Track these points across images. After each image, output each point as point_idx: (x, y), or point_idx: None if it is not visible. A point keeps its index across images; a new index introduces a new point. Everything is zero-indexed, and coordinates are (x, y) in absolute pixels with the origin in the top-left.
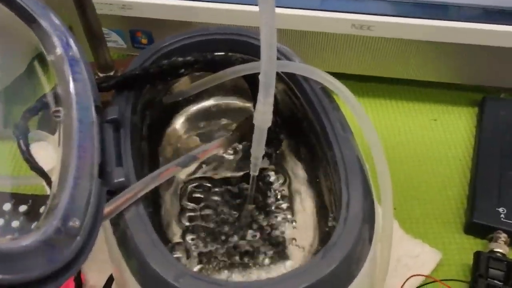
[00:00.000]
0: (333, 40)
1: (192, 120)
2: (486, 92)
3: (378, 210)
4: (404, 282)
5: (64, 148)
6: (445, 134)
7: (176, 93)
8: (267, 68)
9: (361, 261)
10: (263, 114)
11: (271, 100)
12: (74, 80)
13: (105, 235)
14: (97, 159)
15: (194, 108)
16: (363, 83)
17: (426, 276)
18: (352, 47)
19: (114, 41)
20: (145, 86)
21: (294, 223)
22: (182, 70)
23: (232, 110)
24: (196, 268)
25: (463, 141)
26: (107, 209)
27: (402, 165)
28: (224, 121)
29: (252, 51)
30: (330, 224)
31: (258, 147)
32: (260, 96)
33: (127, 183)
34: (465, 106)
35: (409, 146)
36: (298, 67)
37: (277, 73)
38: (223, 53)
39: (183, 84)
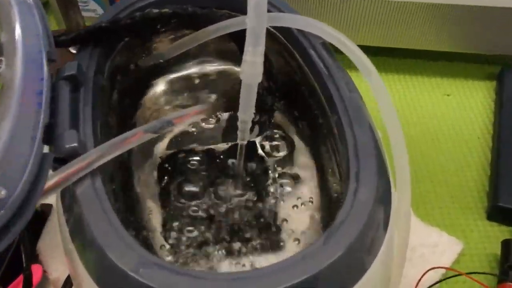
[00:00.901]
0: (339, 5)
1: (174, 89)
2: (505, 63)
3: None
4: (422, 276)
5: (2, 104)
6: (460, 110)
7: (154, 55)
8: (256, 11)
9: (373, 250)
10: (252, 66)
11: (261, 49)
12: (22, 27)
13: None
14: (44, 120)
15: (175, 75)
16: (371, 57)
17: (447, 268)
18: (359, 12)
19: (93, 10)
20: (115, 43)
21: (290, 202)
22: (159, 26)
23: (219, 77)
24: (176, 257)
25: (480, 117)
26: (51, 180)
27: (412, 143)
28: (210, 90)
29: (241, 7)
30: (334, 202)
31: (246, 109)
32: (248, 45)
33: (82, 150)
34: (481, 79)
35: (421, 124)
36: (292, 20)
37: (270, 32)
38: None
39: (162, 47)
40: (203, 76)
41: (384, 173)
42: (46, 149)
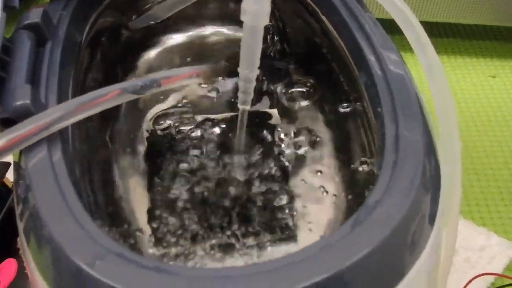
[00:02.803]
0: None
1: (171, 54)
2: None
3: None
4: (468, 283)
5: None
6: (508, 93)
7: (146, 17)
8: None
9: (416, 249)
10: (257, 3)
11: None
12: None
13: None
14: None
15: (172, 37)
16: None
17: (498, 275)
18: None
19: None
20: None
21: (302, 184)
22: None
23: (222, 42)
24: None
25: None
26: None
27: None
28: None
29: None
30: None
31: (249, 62)
32: None
33: (36, 110)
34: None
35: (462, 108)
36: None
37: None
38: None
39: (156, 6)
40: (205, 40)
41: (431, 147)
42: None
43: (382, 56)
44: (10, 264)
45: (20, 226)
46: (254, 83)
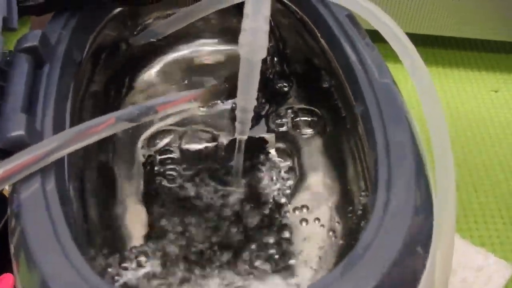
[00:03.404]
0: None
1: (172, 72)
2: None
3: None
4: None
5: None
6: (509, 108)
7: (147, 33)
8: None
9: (411, 283)
10: (254, 36)
11: (265, 12)
12: None
13: None
14: None
15: (173, 54)
16: None
17: None
18: None
19: None
20: (100, 14)
21: (301, 213)
22: None
23: (222, 59)
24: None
25: None
26: None
27: (453, 145)
28: (212, 74)
29: None
30: (357, 217)
31: (246, 93)
32: (247, 5)
33: (33, 140)
34: None
35: (463, 122)
36: None
37: (283, 4)
38: None
39: (157, 23)
40: (205, 58)
41: (423, 179)
42: None
43: (378, 87)
44: (8, 279)
45: (11, 249)
46: (251, 114)
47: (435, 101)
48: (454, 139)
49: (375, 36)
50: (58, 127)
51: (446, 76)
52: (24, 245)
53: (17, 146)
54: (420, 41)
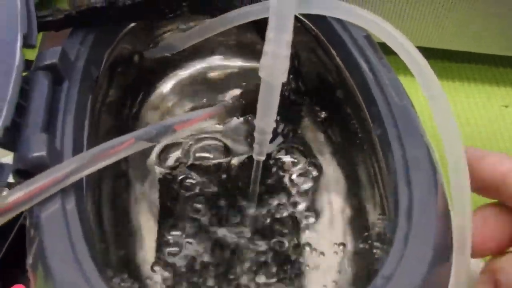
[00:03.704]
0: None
1: (186, 86)
2: None
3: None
4: None
5: None
6: None
7: (162, 47)
8: None
9: None
10: (275, 60)
11: (287, 37)
12: None
13: None
14: (5, 120)
15: (187, 68)
16: None
17: None
18: (402, 8)
19: None
20: (117, 28)
21: (316, 237)
22: (167, 10)
23: (239, 75)
24: None
25: None
26: (5, 201)
27: None
28: (228, 90)
29: None
30: (374, 248)
31: (266, 116)
32: (270, 31)
33: (53, 160)
34: None
35: (473, 139)
36: (329, 5)
37: (300, 21)
38: None
39: (172, 36)
40: (221, 73)
41: (443, 203)
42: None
43: (397, 110)
44: None
45: (29, 260)
46: (270, 135)
47: (451, 123)
48: None
49: (384, 49)
50: (77, 145)
51: (456, 90)
52: (43, 264)
53: (38, 167)
54: (432, 55)
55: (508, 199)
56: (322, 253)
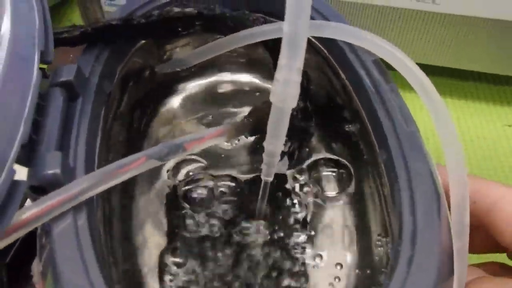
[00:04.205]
0: (387, 18)
1: (195, 101)
2: None
3: None
4: None
5: None
6: None
7: (173, 62)
8: (296, 12)
9: None
10: (286, 87)
11: (299, 64)
12: (13, 18)
13: None
14: (22, 136)
15: (197, 83)
16: None
17: None
18: (410, 27)
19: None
20: (130, 44)
21: (319, 258)
22: (180, 28)
23: (248, 92)
24: None
25: None
26: (20, 217)
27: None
28: (237, 106)
29: (281, 12)
30: (377, 271)
31: (275, 139)
32: (282, 58)
33: (67, 177)
34: None
35: (476, 157)
36: (340, 30)
37: (311, 42)
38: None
39: (184, 52)
40: (231, 88)
41: (446, 229)
42: (24, 172)
43: (403, 136)
44: None
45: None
46: (278, 158)
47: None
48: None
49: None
50: (89, 162)
51: (462, 108)
52: (53, 271)
53: (51, 183)
54: (438, 72)
55: (498, 224)
56: (324, 271)
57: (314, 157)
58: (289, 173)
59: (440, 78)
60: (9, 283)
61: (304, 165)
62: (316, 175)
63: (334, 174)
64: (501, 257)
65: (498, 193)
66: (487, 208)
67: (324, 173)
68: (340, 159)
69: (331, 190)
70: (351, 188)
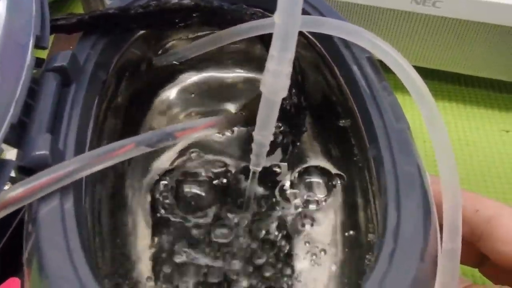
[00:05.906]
0: (386, 20)
1: (191, 94)
2: None
3: None
4: None
5: None
6: None
7: (170, 55)
8: (287, 4)
9: None
10: (276, 77)
11: (289, 56)
12: (9, 3)
13: None
14: (11, 118)
15: (193, 77)
16: None
17: None
18: (409, 30)
19: None
20: (128, 34)
21: (308, 250)
22: (177, 20)
23: (243, 85)
24: None
25: None
26: (6, 195)
27: (461, 185)
28: (232, 99)
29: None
30: (365, 265)
31: (264, 129)
32: (273, 49)
33: (55, 159)
34: None
35: (472, 162)
36: (334, 26)
37: (305, 37)
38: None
39: (180, 45)
40: (224, 82)
41: (431, 226)
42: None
43: (393, 133)
44: (14, 284)
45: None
46: (267, 148)
47: (447, 149)
48: (463, 179)
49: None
50: (80, 147)
51: (460, 112)
52: (38, 258)
53: (40, 165)
54: (436, 76)
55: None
56: (314, 263)
57: (308, 162)
58: (280, 170)
59: (439, 82)
60: (2, 271)
61: (296, 170)
62: (307, 178)
63: (323, 179)
64: None
65: (496, 205)
66: (489, 216)
67: (314, 179)
68: (331, 169)
69: (320, 190)
70: (341, 188)
